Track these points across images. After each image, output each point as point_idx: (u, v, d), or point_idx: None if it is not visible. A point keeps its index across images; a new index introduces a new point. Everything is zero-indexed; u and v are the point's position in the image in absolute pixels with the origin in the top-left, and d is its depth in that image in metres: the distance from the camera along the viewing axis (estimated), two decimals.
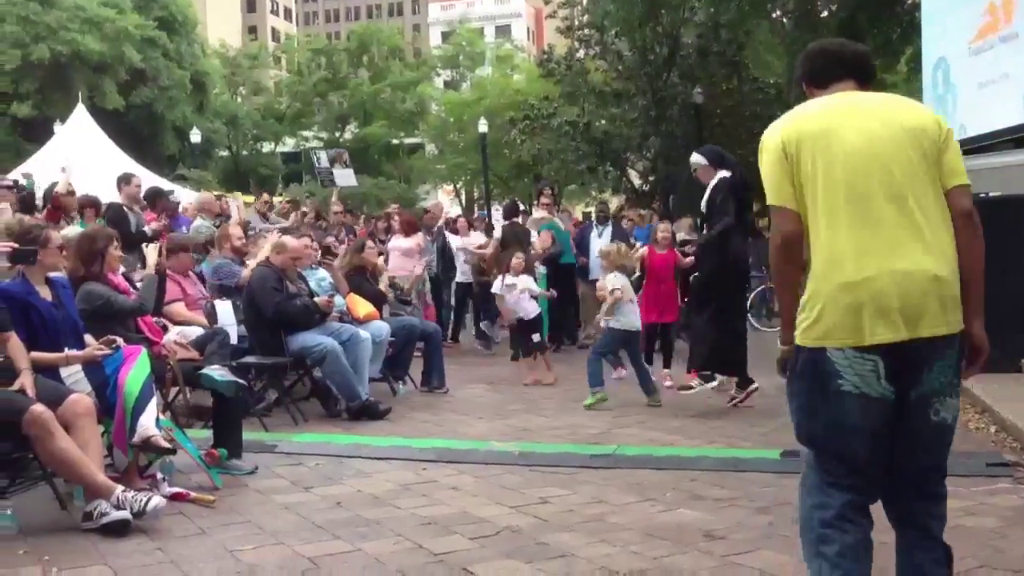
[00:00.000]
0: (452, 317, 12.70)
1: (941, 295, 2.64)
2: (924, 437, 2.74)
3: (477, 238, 12.79)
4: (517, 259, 9.30)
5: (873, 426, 2.70)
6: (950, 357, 2.70)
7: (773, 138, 2.81)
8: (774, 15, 21.97)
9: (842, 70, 2.93)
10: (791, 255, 2.75)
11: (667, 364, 8.86)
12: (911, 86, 21.37)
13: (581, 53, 24.91)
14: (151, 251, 6.26)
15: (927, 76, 11.92)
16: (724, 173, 7.27)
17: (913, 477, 2.80)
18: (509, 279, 9.24)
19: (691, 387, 7.43)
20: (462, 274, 12.28)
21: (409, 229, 11.13)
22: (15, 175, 14.06)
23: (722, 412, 7.33)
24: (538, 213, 11.75)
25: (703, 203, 7.49)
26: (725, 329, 7.30)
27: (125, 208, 9.28)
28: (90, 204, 9.49)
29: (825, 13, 20.41)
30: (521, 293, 9.18)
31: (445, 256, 12.17)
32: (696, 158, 7.59)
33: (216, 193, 14.01)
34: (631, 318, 7.81)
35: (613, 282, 7.80)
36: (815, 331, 2.69)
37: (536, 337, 9.25)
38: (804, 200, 2.73)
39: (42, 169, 17.17)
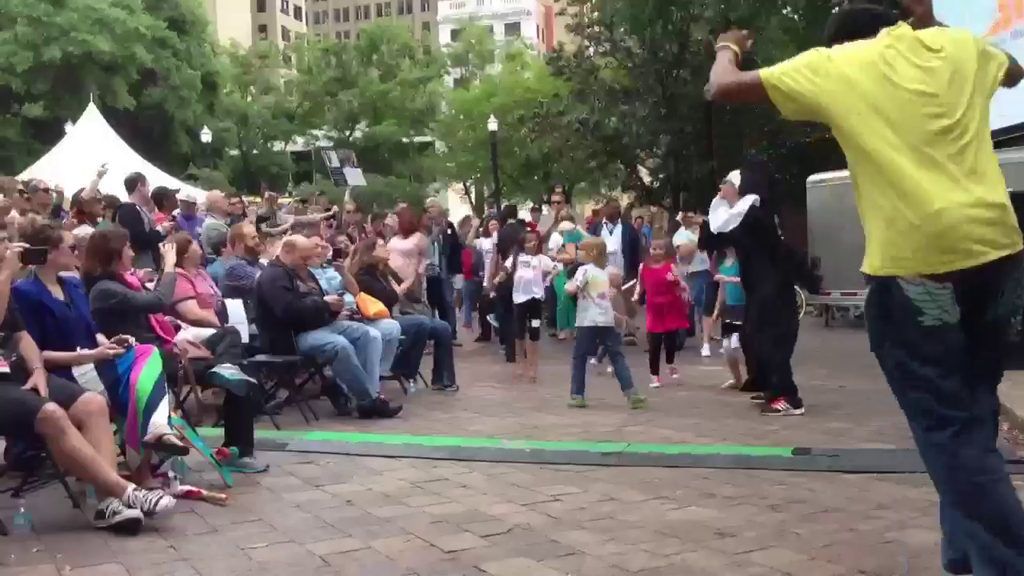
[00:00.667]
0: (475, 316, 12.68)
1: (1005, 221, 2.77)
2: (1000, 354, 2.93)
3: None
4: (531, 240, 9.30)
5: (957, 353, 2.82)
6: (1018, 277, 2.81)
7: (828, 52, 2.95)
8: (785, 11, 21.88)
9: (880, 25, 3.00)
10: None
11: (670, 359, 8.86)
12: None
13: (591, 51, 24.86)
14: (169, 250, 6.20)
15: None
16: (752, 198, 7.27)
17: (988, 384, 2.96)
18: (524, 256, 9.24)
19: (778, 410, 7.34)
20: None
21: (408, 230, 11.07)
22: (26, 175, 14.12)
23: (733, 410, 7.31)
24: (564, 224, 11.71)
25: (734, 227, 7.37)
26: (785, 351, 7.33)
27: (138, 208, 9.32)
28: (109, 204, 9.52)
29: (836, 9, 20.31)
30: (535, 271, 9.19)
31: (449, 256, 12.18)
32: (734, 176, 7.63)
33: (229, 193, 14.04)
34: (595, 314, 7.73)
35: (580, 277, 7.81)
36: (888, 260, 2.84)
37: (536, 323, 9.26)
38: (864, 131, 2.84)
39: (53, 169, 17.26)
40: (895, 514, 4.29)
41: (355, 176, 14.89)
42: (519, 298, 9.29)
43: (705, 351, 10.79)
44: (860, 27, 3.02)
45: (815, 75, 2.89)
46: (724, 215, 7.43)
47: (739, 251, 7.76)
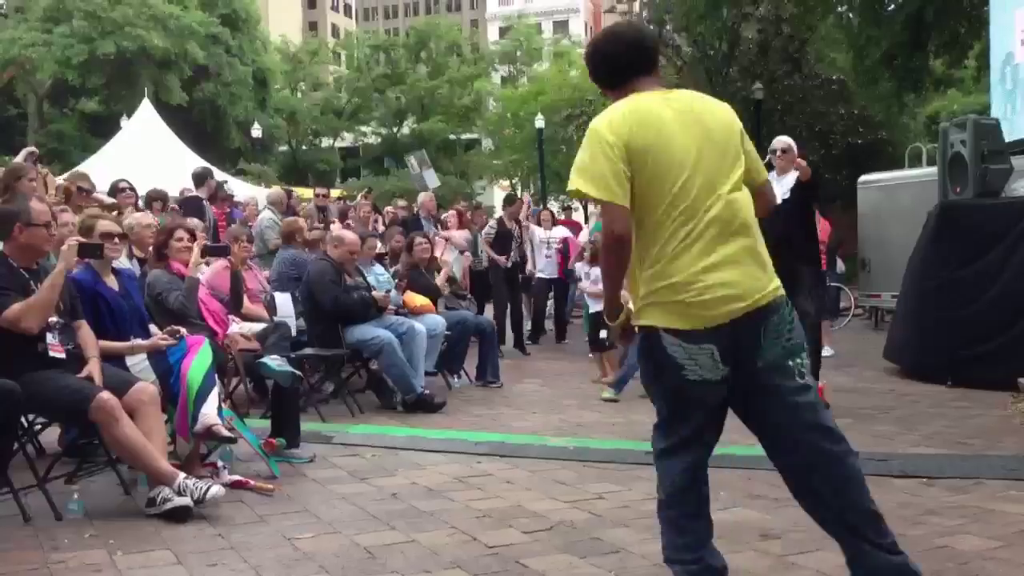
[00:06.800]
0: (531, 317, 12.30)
1: (749, 273, 2.86)
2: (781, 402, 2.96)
3: (560, 232, 12.52)
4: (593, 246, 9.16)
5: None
6: (776, 323, 2.88)
7: (604, 135, 2.90)
8: (840, 9, 21.58)
9: (636, 70, 3.04)
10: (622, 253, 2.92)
11: None
12: (979, 83, 20.84)
13: None
14: (195, 250, 5.89)
15: (995, 72, 11.66)
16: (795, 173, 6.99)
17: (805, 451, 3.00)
18: (582, 267, 9.15)
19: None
20: (542, 270, 11.86)
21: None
22: (83, 169, 14.38)
23: None
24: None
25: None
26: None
27: (203, 203, 9.44)
28: (158, 198, 9.63)
29: (892, 7, 20.03)
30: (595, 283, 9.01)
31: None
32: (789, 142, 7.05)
33: (285, 188, 14.20)
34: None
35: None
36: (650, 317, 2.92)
37: (603, 333, 9.04)
38: (633, 201, 2.89)
39: (108, 164, 17.57)
40: (945, 520, 4.23)
41: (432, 178, 15.32)
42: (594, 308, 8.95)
43: None
44: None
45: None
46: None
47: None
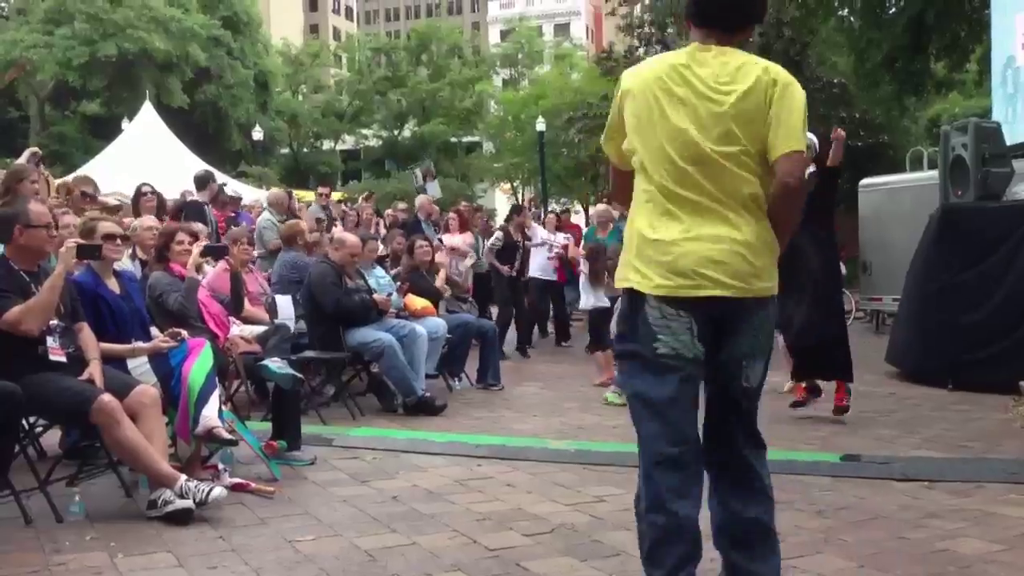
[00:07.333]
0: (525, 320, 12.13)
1: (750, 260, 2.72)
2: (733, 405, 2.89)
3: (561, 237, 12.53)
4: (591, 246, 9.23)
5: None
6: (758, 320, 2.80)
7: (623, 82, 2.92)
8: (841, 12, 21.56)
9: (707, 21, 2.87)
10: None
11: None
12: (981, 87, 20.82)
13: (641, 51, 24.76)
14: (195, 250, 5.89)
15: (996, 75, 11.67)
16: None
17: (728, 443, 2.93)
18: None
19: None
20: (540, 270, 11.77)
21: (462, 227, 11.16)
22: (84, 171, 14.40)
23: (782, 414, 7.22)
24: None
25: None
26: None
27: (205, 207, 9.41)
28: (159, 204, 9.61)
29: (893, 10, 20.02)
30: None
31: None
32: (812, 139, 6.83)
33: (286, 190, 14.23)
34: None
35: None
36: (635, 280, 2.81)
37: (614, 329, 8.91)
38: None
39: (110, 166, 17.60)
40: (946, 523, 4.22)
41: (434, 188, 15.61)
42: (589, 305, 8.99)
43: None
44: None
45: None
46: None
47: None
